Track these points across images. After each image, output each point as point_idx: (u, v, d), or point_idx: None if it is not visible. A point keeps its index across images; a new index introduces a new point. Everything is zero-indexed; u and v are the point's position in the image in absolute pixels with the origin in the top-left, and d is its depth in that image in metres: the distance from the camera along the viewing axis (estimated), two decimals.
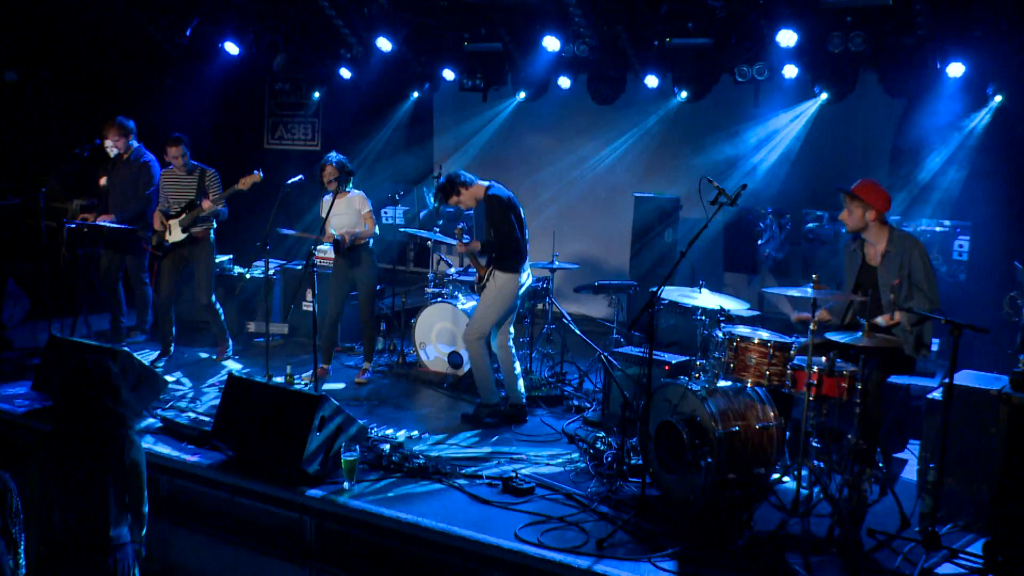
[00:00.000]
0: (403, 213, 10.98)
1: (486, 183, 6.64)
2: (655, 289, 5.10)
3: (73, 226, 8.21)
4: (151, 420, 6.41)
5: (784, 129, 9.09)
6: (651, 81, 9.34)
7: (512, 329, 6.89)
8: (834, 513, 4.85)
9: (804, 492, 4.93)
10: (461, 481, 5.47)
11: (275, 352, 8.67)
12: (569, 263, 7.91)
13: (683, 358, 6.66)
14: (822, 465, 5.10)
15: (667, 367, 6.53)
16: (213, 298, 8.16)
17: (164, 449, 5.85)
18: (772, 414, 5.24)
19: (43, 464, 3.98)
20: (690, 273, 8.87)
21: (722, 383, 5.30)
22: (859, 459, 5.06)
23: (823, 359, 5.08)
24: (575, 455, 6.04)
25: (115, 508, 3.98)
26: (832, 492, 4.96)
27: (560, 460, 5.95)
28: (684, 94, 9.15)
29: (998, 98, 7.93)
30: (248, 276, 9.17)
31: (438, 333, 7.86)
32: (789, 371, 5.06)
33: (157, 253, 8.07)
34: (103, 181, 9.54)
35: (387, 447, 5.84)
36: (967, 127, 8.25)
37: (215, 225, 8.10)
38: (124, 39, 10.34)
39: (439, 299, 7.90)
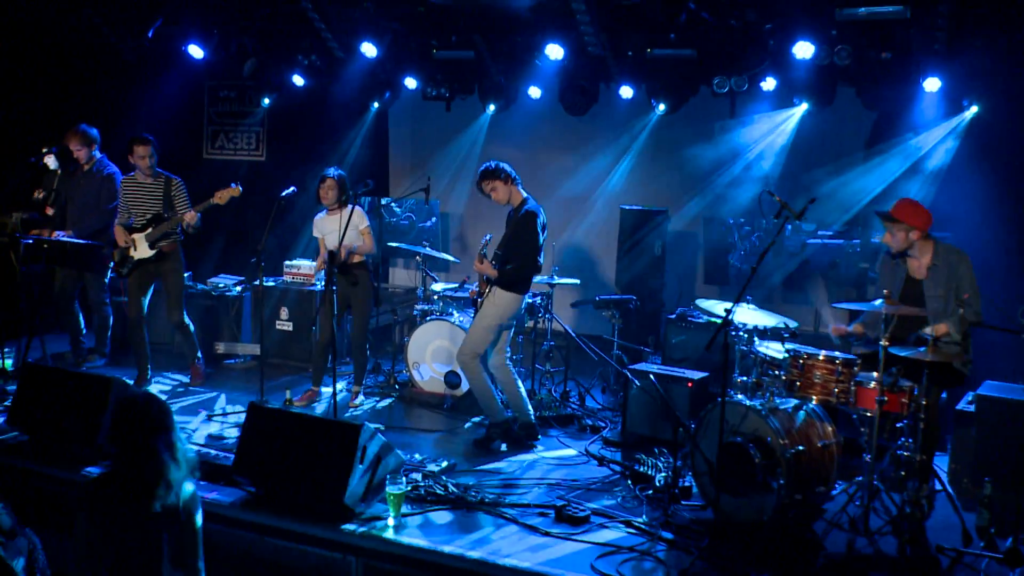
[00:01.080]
0: None
1: (525, 193, 6.36)
2: (729, 309, 4.92)
3: (30, 242, 7.54)
4: None
5: (764, 140, 9.10)
6: (626, 92, 9.22)
7: (509, 347, 6.64)
8: (903, 531, 4.78)
9: (856, 509, 4.89)
10: (510, 511, 5.18)
11: (247, 374, 8.24)
12: (570, 278, 7.68)
13: (702, 374, 6.53)
14: (879, 484, 5.03)
15: (689, 383, 6.39)
16: (185, 316, 7.62)
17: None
18: (830, 431, 5.15)
19: (92, 514, 3.54)
20: (677, 288, 8.82)
21: (778, 401, 5.18)
22: (920, 475, 5.01)
23: (873, 374, 5.02)
24: (614, 478, 5.81)
25: (168, 564, 3.56)
26: (891, 509, 4.91)
27: (597, 484, 5.71)
28: (662, 107, 9.06)
29: (974, 108, 8.09)
30: (214, 293, 8.63)
31: (434, 352, 7.53)
32: (852, 387, 4.98)
33: (121, 271, 7.46)
34: (39, 194, 8.85)
35: (419, 476, 5.50)
36: (942, 138, 8.38)
37: (182, 237, 7.56)
38: (68, 41, 9.62)
39: (432, 316, 7.58)
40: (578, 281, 7.85)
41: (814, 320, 8.88)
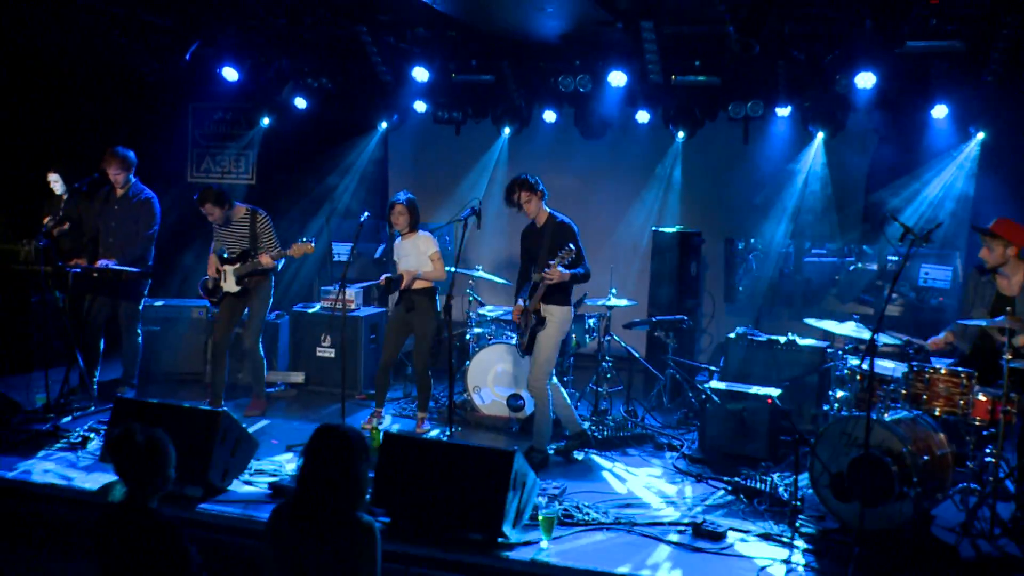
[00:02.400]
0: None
1: (548, 208, 6.49)
2: (873, 334, 5.10)
3: (79, 271, 7.24)
4: (254, 488, 5.75)
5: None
6: (642, 117, 9.46)
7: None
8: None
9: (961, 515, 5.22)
10: (649, 530, 5.27)
11: (292, 402, 8.09)
12: (628, 299, 7.82)
13: (776, 390, 6.75)
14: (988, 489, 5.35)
15: (769, 400, 6.61)
16: (260, 347, 7.45)
17: None
18: (944, 439, 5.44)
19: (278, 542, 3.53)
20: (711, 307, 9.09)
21: (892, 413, 5.44)
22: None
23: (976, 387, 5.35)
24: (719, 494, 5.96)
25: None
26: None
27: (711, 500, 5.87)
28: (681, 133, 9.34)
29: (980, 135, 8.62)
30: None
31: (496, 376, 7.56)
32: (971, 399, 5.28)
33: (212, 299, 7.30)
34: (47, 220, 8.53)
35: (543, 499, 5.53)
36: (949, 162, 8.91)
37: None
38: (83, 62, 9.34)
39: (493, 340, 7.62)
40: (636, 303, 7.98)
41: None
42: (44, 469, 6.00)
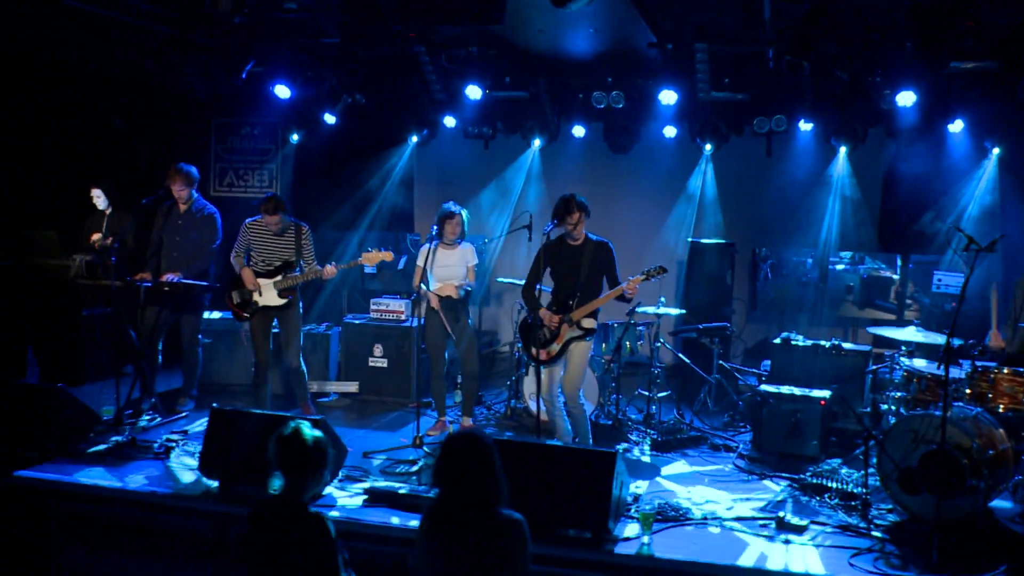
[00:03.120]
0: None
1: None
2: (948, 339, 5.46)
3: (149, 285, 7.41)
4: (346, 492, 5.99)
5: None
6: (669, 131, 9.83)
7: None
8: None
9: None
10: (735, 524, 5.60)
11: (347, 411, 8.30)
12: (674, 308, 8.16)
13: (825, 393, 7.11)
14: None
15: (822, 402, 6.97)
16: (301, 360, 7.63)
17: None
18: (1004, 434, 5.82)
19: (429, 542, 3.78)
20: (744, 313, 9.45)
21: (957, 411, 5.82)
22: None
23: None
24: (785, 491, 6.30)
25: None
26: None
27: (779, 497, 6.21)
28: (708, 147, 9.72)
29: (996, 150, 9.11)
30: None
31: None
32: None
33: (243, 314, 7.43)
34: (96, 237, 8.73)
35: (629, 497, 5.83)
36: (968, 175, 9.38)
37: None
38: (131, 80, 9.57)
39: None
40: (684, 311, 8.32)
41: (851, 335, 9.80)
42: (137, 478, 6.17)
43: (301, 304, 7.66)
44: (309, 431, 4.04)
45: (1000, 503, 5.92)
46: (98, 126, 10.49)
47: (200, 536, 5.79)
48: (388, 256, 7.36)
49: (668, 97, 8.35)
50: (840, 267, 9.99)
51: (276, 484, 4.07)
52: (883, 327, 7.01)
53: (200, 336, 8.10)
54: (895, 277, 9.93)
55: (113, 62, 9.44)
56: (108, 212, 9.12)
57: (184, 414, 7.81)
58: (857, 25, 7.07)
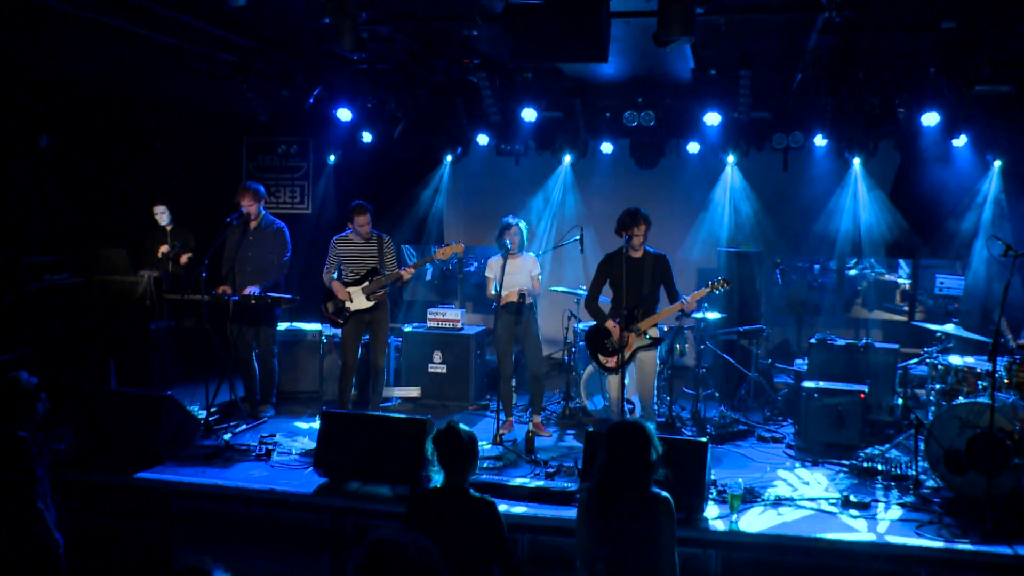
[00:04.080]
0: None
1: None
2: (995, 336, 6.16)
3: (236, 299, 7.91)
4: None
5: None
6: (693, 148, 10.52)
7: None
8: None
9: None
10: (807, 503, 6.25)
11: (411, 415, 8.80)
12: (717, 311, 8.83)
13: (862, 387, 7.79)
14: None
15: (862, 395, 7.66)
16: (384, 363, 8.18)
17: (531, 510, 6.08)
18: None
19: (589, 518, 4.31)
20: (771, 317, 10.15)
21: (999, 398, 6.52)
22: None
23: None
24: (840, 475, 6.96)
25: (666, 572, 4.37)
26: None
27: (837, 480, 6.87)
28: (731, 158, 10.43)
29: (998, 163, 9.91)
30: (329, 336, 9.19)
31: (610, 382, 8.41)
32: None
33: (339, 321, 7.96)
34: (163, 249, 9.20)
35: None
36: (971, 186, 10.17)
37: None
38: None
39: None
40: (726, 315, 8.98)
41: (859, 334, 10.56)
42: (250, 477, 6.67)
43: (390, 310, 8.19)
44: (463, 428, 4.58)
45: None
46: (149, 147, 11.03)
47: (318, 528, 6.32)
48: (460, 248, 7.91)
49: (712, 119, 9.02)
50: (851, 272, 10.74)
51: (437, 479, 4.58)
52: (926, 323, 7.67)
53: (276, 347, 8.59)
54: (900, 281, 10.69)
55: (157, 87, 9.97)
56: (170, 228, 9.62)
57: (265, 419, 8.30)
58: (885, 53, 7.77)
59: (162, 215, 9.65)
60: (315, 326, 9.30)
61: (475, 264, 11.41)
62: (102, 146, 10.34)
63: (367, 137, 10.70)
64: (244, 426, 8.01)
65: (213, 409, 8.03)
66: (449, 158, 11.25)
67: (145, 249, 9.65)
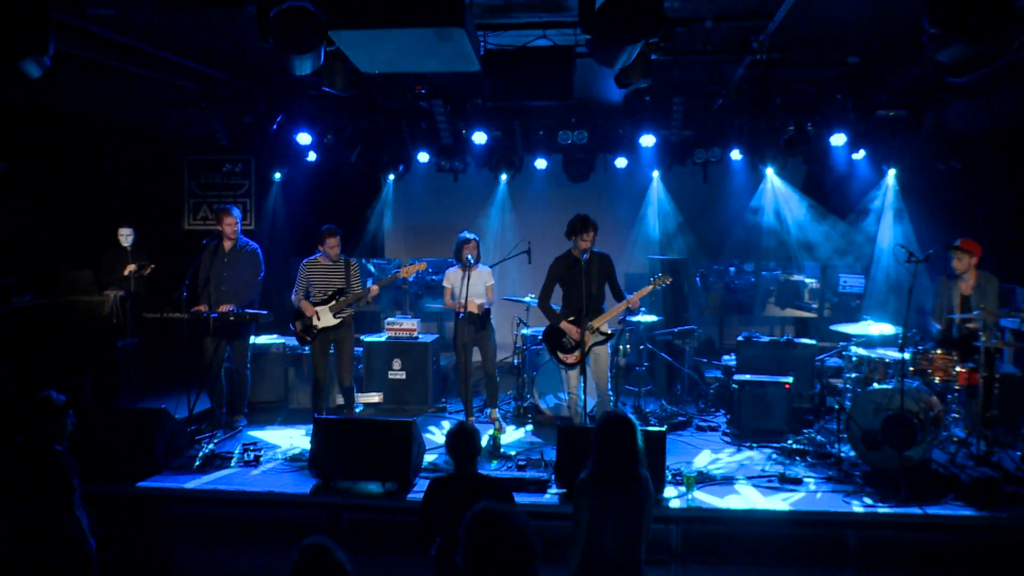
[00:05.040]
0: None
1: None
2: (903, 331, 7.18)
3: (216, 316, 8.38)
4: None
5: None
6: (621, 163, 11.43)
7: None
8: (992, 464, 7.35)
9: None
10: (749, 481, 7.16)
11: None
12: (653, 314, 9.72)
13: (787, 378, 8.77)
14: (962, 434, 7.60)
15: (787, 386, 8.64)
16: (352, 378, 8.75)
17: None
18: (936, 400, 7.60)
19: (590, 500, 5.07)
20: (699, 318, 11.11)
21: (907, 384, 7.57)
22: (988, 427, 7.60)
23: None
24: (771, 456, 7.91)
25: (644, 541, 5.18)
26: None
27: (770, 461, 7.81)
28: (656, 174, 11.38)
29: (892, 171, 11.13)
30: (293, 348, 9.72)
31: (563, 381, 9.17)
32: (956, 370, 7.51)
33: (306, 339, 8.49)
34: (130, 268, 9.60)
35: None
36: (871, 193, 11.38)
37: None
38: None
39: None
40: (661, 317, 9.87)
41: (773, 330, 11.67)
42: (246, 481, 7.21)
43: (353, 328, 8.78)
44: (469, 426, 5.29)
45: (935, 454, 7.68)
46: (105, 171, 11.34)
47: (315, 525, 6.89)
48: (423, 266, 8.58)
49: (648, 140, 9.92)
50: (764, 274, 11.82)
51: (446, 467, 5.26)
52: (842, 324, 8.68)
53: (249, 360, 9.08)
54: (807, 280, 11.81)
55: (110, 112, 10.34)
56: (130, 249, 9.99)
57: (239, 428, 8.80)
58: (800, 82, 8.81)
59: (126, 236, 10.00)
60: (276, 339, 9.82)
61: (415, 273, 12.03)
62: (59, 170, 10.62)
63: (312, 156, 11.23)
64: (222, 435, 8.49)
65: (190, 421, 8.46)
66: (392, 176, 11.87)
67: (105, 268, 9.96)
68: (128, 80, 8.93)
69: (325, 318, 8.43)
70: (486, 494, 5.13)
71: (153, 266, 9.83)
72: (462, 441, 5.28)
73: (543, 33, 6.70)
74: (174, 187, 12.81)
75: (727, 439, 8.60)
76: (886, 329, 8.19)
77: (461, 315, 8.45)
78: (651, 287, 7.94)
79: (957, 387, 7.64)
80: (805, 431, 8.26)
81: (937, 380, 7.55)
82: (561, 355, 8.05)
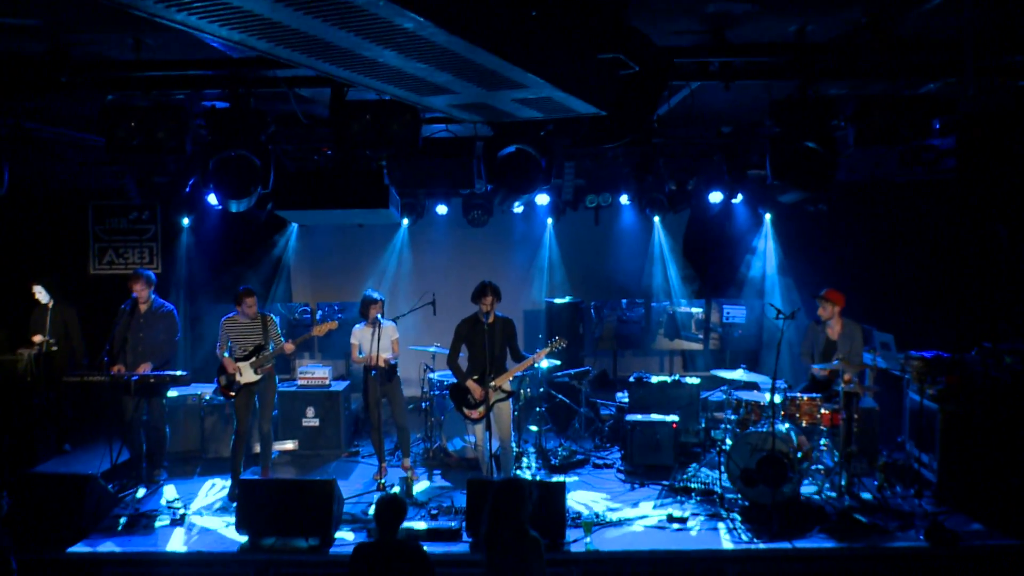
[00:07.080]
0: None
1: None
2: (773, 380, 8.07)
3: (137, 378, 8.68)
4: (351, 533, 7.74)
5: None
6: (518, 209, 12.15)
7: None
8: (855, 495, 8.34)
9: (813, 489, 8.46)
10: (641, 522, 7.94)
11: (289, 464, 9.89)
12: (553, 360, 10.44)
13: (674, 417, 9.61)
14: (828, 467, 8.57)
15: (674, 425, 9.48)
16: (271, 426, 9.17)
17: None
18: (805, 440, 8.54)
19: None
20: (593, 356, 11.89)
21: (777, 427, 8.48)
22: (849, 462, 8.58)
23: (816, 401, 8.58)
24: (663, 493, 8.72)
25: None
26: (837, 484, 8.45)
27: (659, 498, 8.61)
28: (550, 220, 12.14)
29: (768, 216, 12.18)
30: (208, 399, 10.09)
31: (467, 427, 9.81)
32: (820, 413, 8.46)
33: (229, 393, 8.87)
34: (36, 339, 9.81)
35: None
36: (749, 235, 12.42)
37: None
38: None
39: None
40: (560, 362, 10.59)
41: (670, 367, 12.58)
42: (175, 542, 7.60)
43: (276, 379, 9.19)
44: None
45: (806, 484, 8.60)
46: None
47: None
48: (334, 325, 9.05)
49: (542, 199, 10.65)
50: (655, 305, 12.70)
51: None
52: (722, 370, 9.56)
53: (166, 415, 9.42)
54: (693, 311, 12.77)
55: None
56: (51, 306, 10.14)
57: (160, 483, 9.13)
58: (680, 147, 9.68)
59: (41, 294, 10.14)
60: (194, 391, 10.16)
61: (320, 314, 12.41)
62: None
63: (213, 198, 11.52)
64: (144, 490, 8.82)
65: (112, 476, 8.76)
66: (296, 224, 12.30)
67: (29, 327, 10.09)
68: (33, 142, 9.14)
69: (247, 374, 8.82)
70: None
71: (56, 347, 9.98)
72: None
73: (445, 127, 7.33)
74: (79, 233, 12.92)
75: (621, 476, 9.38)
76: (760, 377, 9.11)
77: (373, 373, 8.97)
78: (549, 349, 8.58)
79: (823, 427, 8.57)
80: (692, 465, 9.09)
81: (804, 423, 8.47)
82: (466, 411, 8.64)
